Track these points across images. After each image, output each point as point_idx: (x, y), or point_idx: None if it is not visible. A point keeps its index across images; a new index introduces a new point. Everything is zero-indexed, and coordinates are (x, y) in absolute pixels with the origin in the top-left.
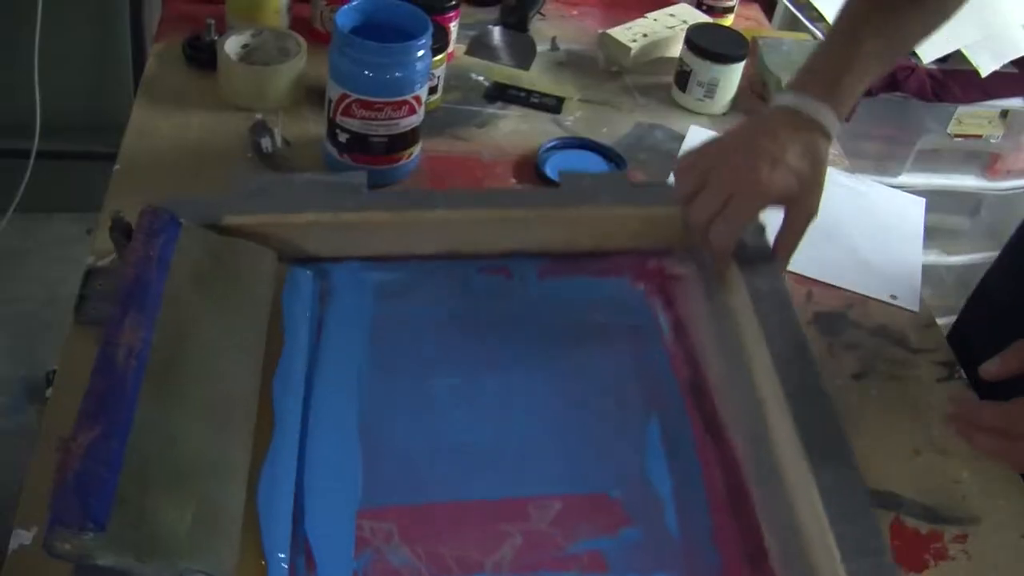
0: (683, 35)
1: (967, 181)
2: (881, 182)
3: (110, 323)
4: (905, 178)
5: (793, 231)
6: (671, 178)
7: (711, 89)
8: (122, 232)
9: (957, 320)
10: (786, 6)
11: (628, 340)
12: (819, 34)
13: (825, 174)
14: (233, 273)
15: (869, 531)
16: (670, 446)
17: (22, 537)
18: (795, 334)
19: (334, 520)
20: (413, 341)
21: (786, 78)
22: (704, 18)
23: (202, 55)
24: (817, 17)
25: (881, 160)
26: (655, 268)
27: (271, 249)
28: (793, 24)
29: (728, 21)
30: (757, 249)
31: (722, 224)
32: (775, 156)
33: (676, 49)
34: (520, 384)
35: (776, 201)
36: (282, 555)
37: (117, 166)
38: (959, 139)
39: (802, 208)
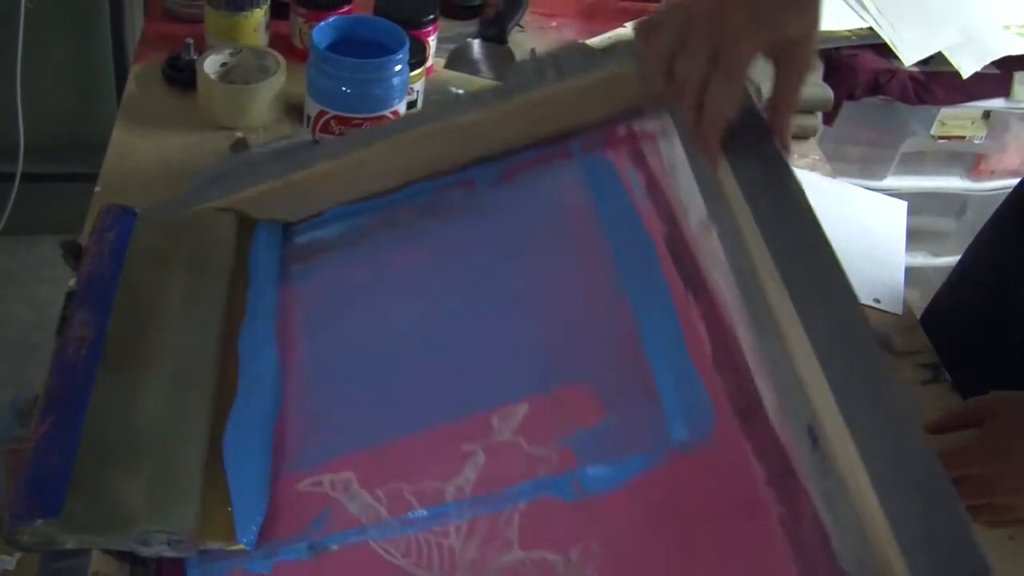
0: None
1: (952, 183)
2: (866, 186)
3: (66, 324)
4: (890, 181)
5: (789, 88)
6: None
7: None
8: (74, 255)
9: (932, 301)
10: None
11: (596, 218)
12: None
13: (820, 16)
14: (192, 246)
15: (870, 364)
16: (645, 314)
17: (5, 563)
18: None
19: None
20: (373, 280)
21: (764, 82)
22: None
23: (182, 75)
24: None
25: (866, 163)
26: (626, 133)
27: (231, 212)
28: None
29: None
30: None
31: (719, 84)
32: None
33: None
34: (483, 293)
35: (767, 46)
36: (247, 500)
37: (98, 188)
38: (943, 141)
39: (795, 58)
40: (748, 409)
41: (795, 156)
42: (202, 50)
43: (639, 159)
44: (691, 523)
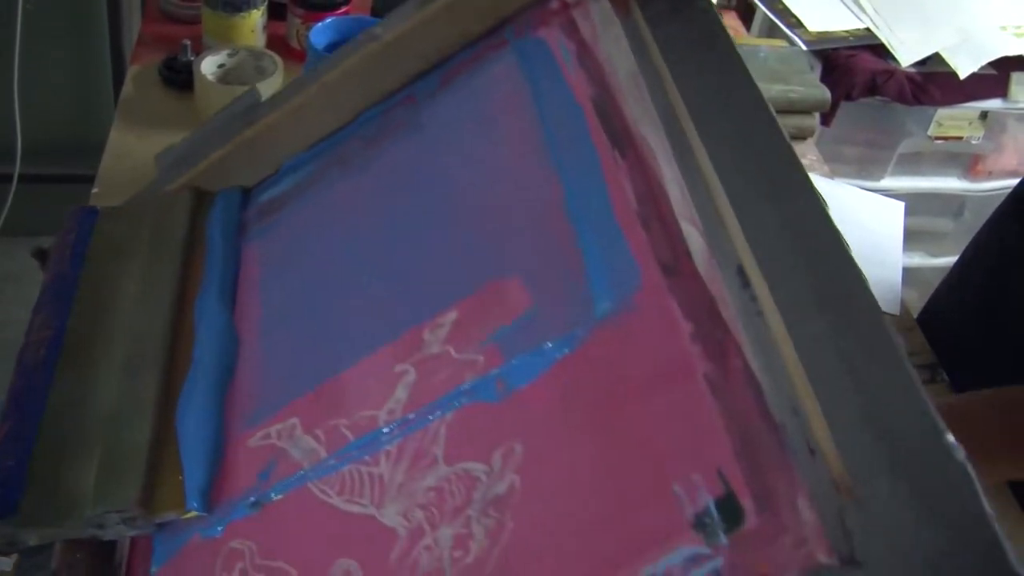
0: None
1: (949, 183)
2: (864, 186)
3: (27, 328)
4: (887, 182)
5: None
6: None
7: None
8: (46, 261)
9: (929, 302)
10: (765, 13)
11: (529, 101)
12: (798, 40)
13: None
14: (147, 233)
15: (775, 179)
16: (572, 185)
17: (3, 564)
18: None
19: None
20: (324, 222)
21: (763, 84)
22: None
23: (179, 76)
24: (796, 23)
25: (863, 164)
26: (559, 5)
27: (186, 190)
28: (772, 31)
29: None
30: None
31: None
32: None
33: None
34: (420, 207)
35: None
36: (196, 466)
37: (96, 189)
38: (940, 141)
39: None
40: (674, 261)
41: None
42: (199, 51)
43: (571, 29)
44: (613, 399)
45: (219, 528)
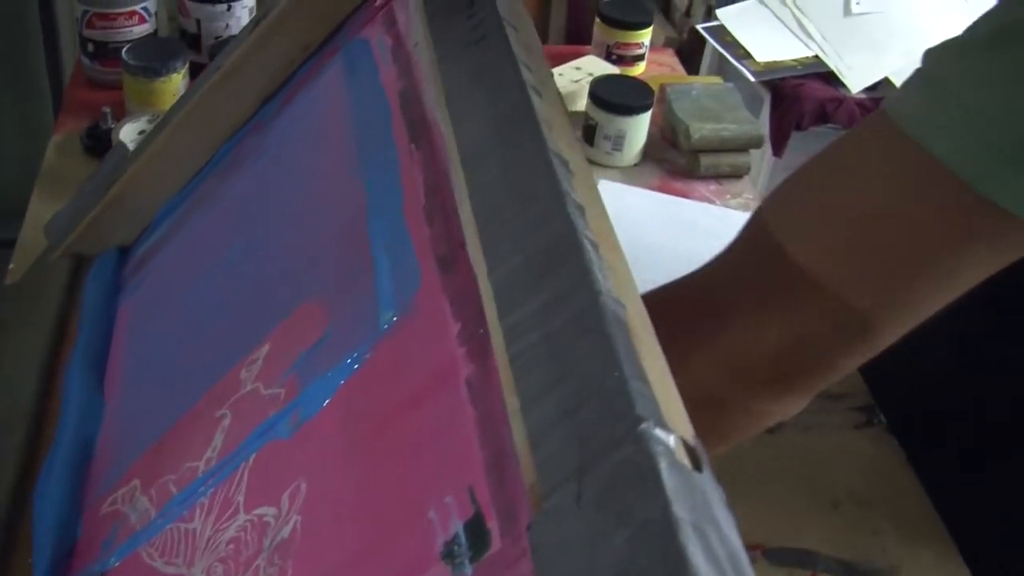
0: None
1: None
2: None
3: None
4: None
5: None
6: None
7: (618, 141)
8: None
9: None
10: (714, 47)
11: (348, 106)
12: (746, 72)
13: None
14: (22, 307)
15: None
16: (373, 192)
17: None
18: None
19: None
20: (184, 267)
21: (695, 124)
22: (612, 69)
23: (100, 144)
24: (744, 55)
25: None
26: (382, 1)
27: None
28: (722, 65)
29: (639, 70)
30: None
31: None
32: None
33: (582, 103)
34: (253, 237)
35: None
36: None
37: (12, 265)
38: None
39: None
40: (451, 254)
41: (728, 196)
42: (122, 117)
43: (390, 23)
44: (386, 419)
45: None
